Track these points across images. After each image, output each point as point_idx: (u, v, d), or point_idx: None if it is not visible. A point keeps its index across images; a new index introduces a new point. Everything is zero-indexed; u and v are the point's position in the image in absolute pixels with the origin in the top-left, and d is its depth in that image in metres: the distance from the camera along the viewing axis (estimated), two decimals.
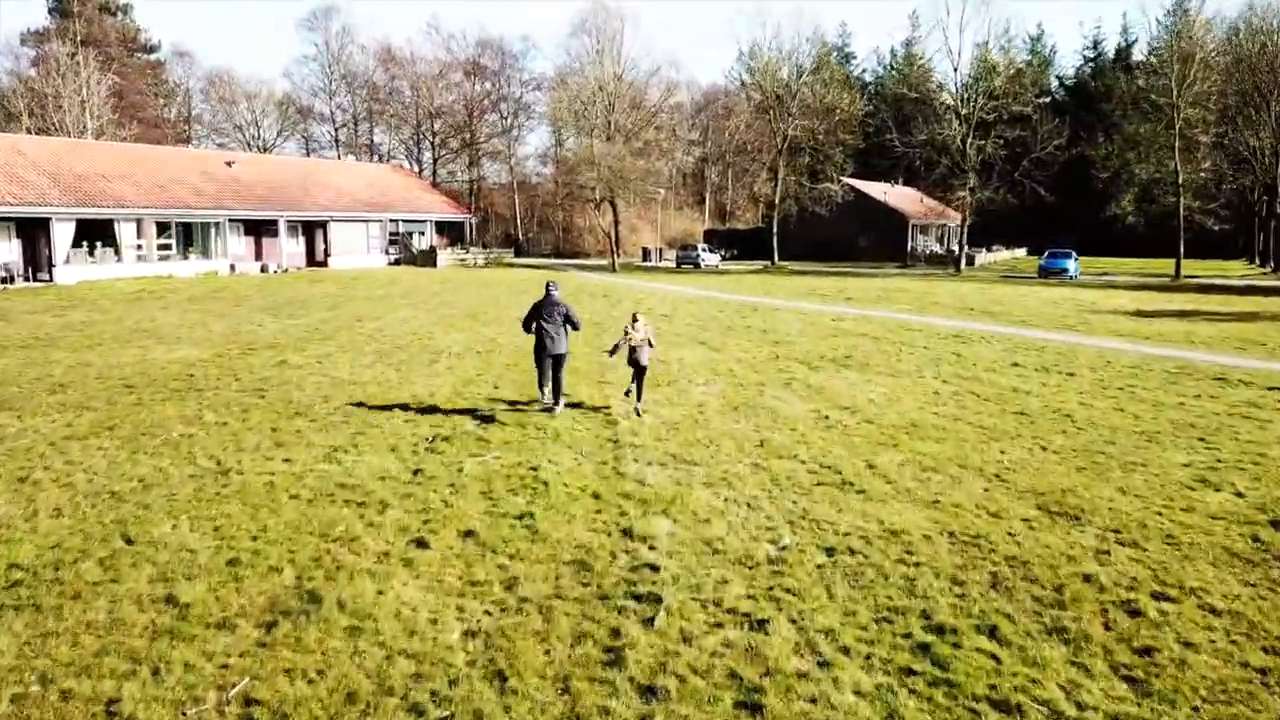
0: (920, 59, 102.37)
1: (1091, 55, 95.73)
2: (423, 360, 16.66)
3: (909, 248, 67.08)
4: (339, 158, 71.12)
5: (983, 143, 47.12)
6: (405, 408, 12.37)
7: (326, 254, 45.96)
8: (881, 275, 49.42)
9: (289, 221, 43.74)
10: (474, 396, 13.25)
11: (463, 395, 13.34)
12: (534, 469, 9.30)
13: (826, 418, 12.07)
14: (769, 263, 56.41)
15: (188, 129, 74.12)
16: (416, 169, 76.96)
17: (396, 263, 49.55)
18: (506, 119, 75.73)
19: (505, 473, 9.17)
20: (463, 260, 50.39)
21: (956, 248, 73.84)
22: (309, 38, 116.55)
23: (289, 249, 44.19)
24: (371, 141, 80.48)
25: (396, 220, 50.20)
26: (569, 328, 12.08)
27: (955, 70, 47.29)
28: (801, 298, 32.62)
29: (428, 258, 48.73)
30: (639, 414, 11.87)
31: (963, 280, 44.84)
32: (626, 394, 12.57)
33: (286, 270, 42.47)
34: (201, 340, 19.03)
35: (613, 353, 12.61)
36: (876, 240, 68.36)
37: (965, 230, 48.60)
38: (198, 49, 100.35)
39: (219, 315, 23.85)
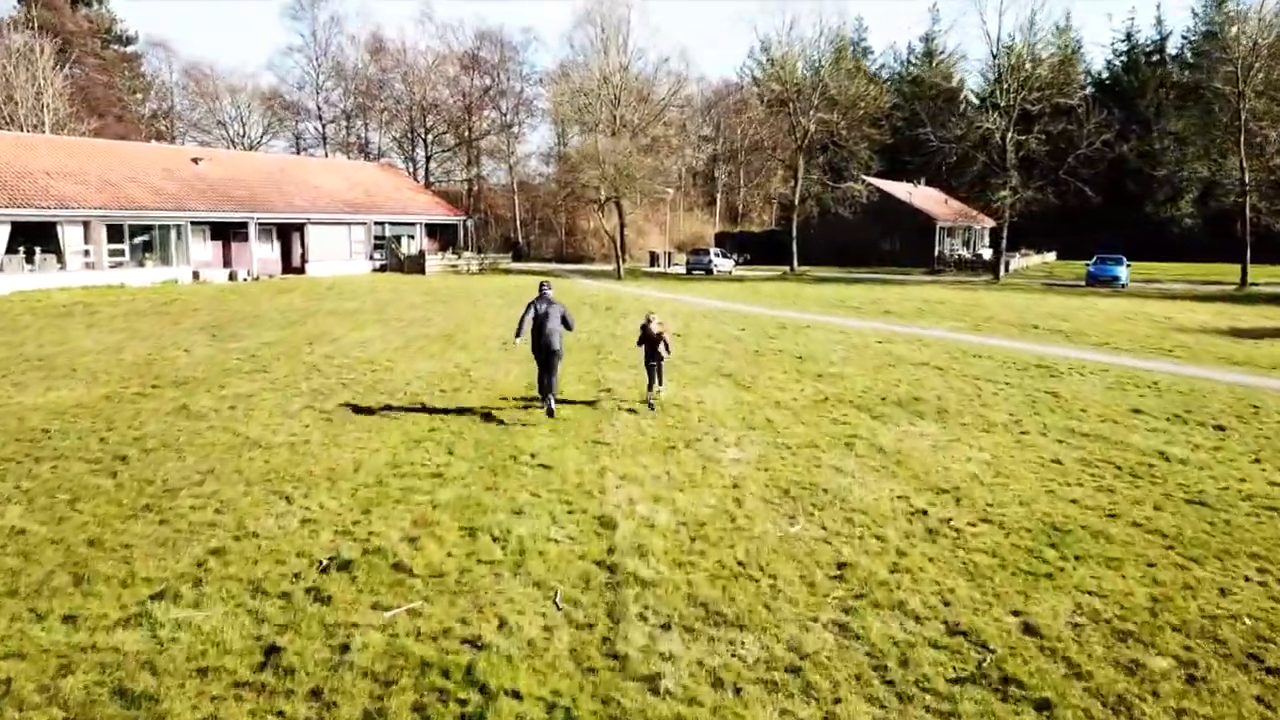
0: (941, 54, 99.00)
1: (1124, 48, 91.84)
2: (369, 402, 13.03)
3: (936, 252, 63.29)
4: (327, 155, 67.77)
5: (1024, 137, 43.30)
6: (308, 494, 8.71)
7: (304, 260, 42.45)
8: (912, 283, 45.64)
9: (261, 224, 40.24)
10: (415, 472, 9.60)
11: (400, 470, 9.69)
12: (474, 645, 5.62)
13: (924, 513, 8.38)
14: (788, 268, 52.70)
15: (168, 126, 70.83)
16: (410, 169, 73.56)
17: (382, 269, 46.02)
18: (506, 115, 72.19)
19: (420, 652, 5.49)
20: (454, 266, 46.82)
21: (991, 253, 70.29)
22: (294, 27, 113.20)
23: (261, 254, 40.68)
24: (366, 140, 77.19)
25: (382, 223, 46.68)
26: (564, 327, 12.39)
27: (994, 57, 43.49)
28: (832, 310, 28.92)
29: (415, 264, 45.19)
30: (652, 406, 12.73)
31: (1005, 289, 41.04)
32: (650, 405, 12.91)
33: (257, 278, 38.96)
34: (102, 373, 15.42)
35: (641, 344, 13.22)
36: (901, 244, 64.60)
37: (1005, 234, 44.67)
38: (175, 39, 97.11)
39: (146, 336, 20.26)
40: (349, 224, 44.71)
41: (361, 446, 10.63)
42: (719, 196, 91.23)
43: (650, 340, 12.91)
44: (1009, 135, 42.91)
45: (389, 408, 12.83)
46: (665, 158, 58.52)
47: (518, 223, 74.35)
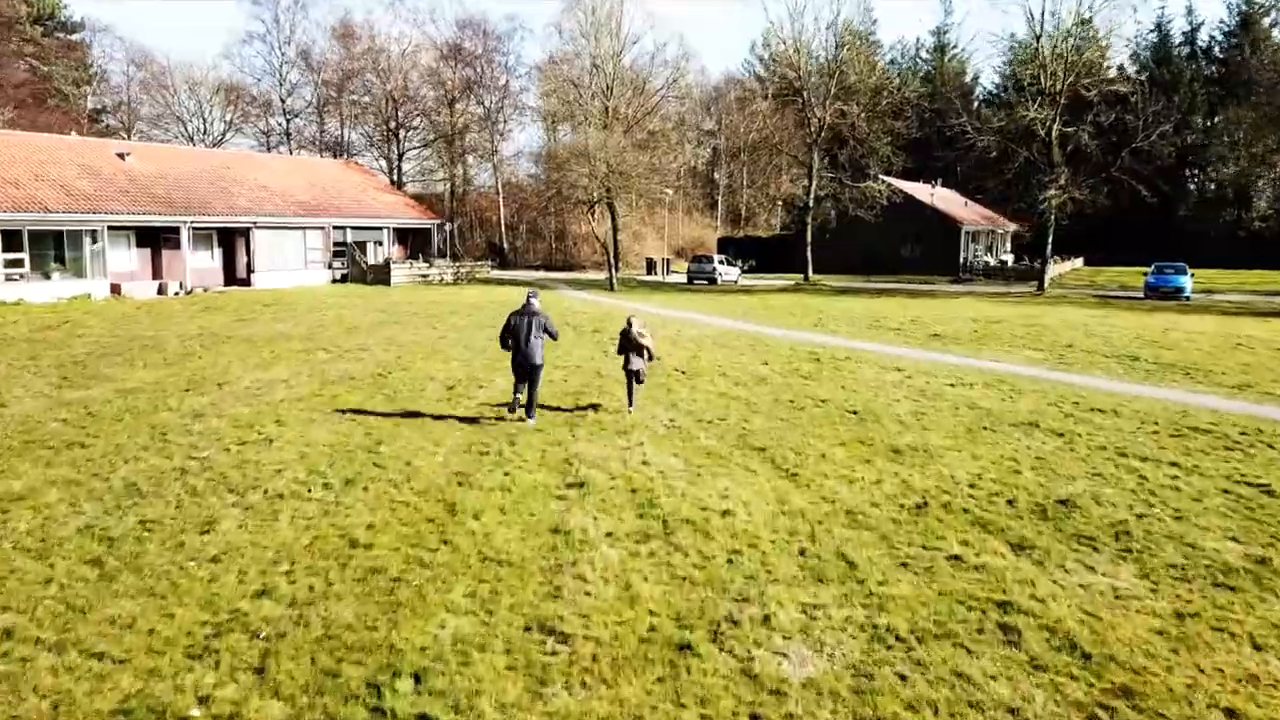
0: (954, 48, 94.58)
1: (1154, 40, 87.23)
2: (200, 514, 8.20)
3: (961, 259, 58.61)
4: (291, 153, 62.90)
5: (1071, 129, 38.58)
6: None
7: (249, 270, 37.57)
8: (942, 294, 40.86)
9: (197, 229, 35.39)
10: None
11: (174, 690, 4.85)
12: None
13: None
14: (801, 278, 47.89)
15: (124, 121, 65.93)
16: (386, 168, 68.73)
17: (343, 279, 41.18)
18: (490, 110, 67.38)
19: None
20: (424, 276, 41.97)
21: (1014, 259, 65.60)
22: (254, 12, 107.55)
23: (197, 264, 35.84)
24: (343, 139, 72.21)
25: (343, 227, 41.85)
26: (546, 337, 12.30)
27: (1037, 39, 38.75)
28: (868, 333, 24.13)
29: (380, 274, 40.35)
30: (630, 412, 12.71)
31: (1055, 303, 36.27)
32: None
33: (190, 291, 34.09)
34: None
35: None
36: (924, 250, 59.91)
37: (1050, 240, 39.87)
38: (124, 25, 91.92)
39: None
40: (303, 228, 39.86)
41: (122, 657, 5.76)
42: (720, 199, 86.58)
43: (631, 346, 12.64)
44: (1053, 127, 38.16)
45: (239, 507, 7.97)
46: (663, 155, 53.72)
47: (502, 227, 69.51)
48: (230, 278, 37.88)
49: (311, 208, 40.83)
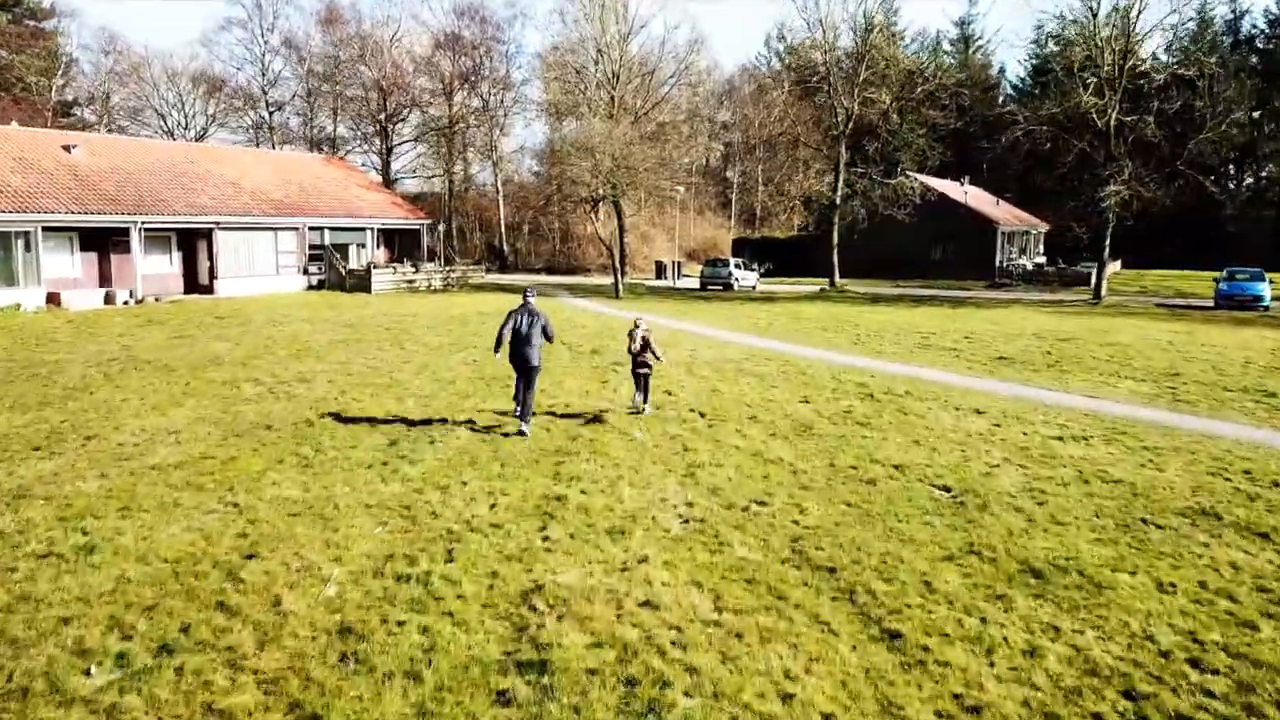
0: (979, 39, 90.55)
1: (1193, 29, 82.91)
2: None
3: (997, 262, 54.66)
4: (276, 149, 59.40)
5: (1132, 118, 34.68)
6: None
7: (212, 276, 34.04)
8: (989, 303, 37.01)
9: (150, 230, 31.90)
10: None
11: None
12: None
13: None
14: (826, 283, 44.09)
15: (101, 114, 62.59)
16: (378, 165, 65.23)
17: (319, 285, 37.61)
18: (488, 101, 63.80)
19: None
20: (410, 282, 38.37)
21: (1048, 262, 61.56)
22: None
23: (151, 269, 32.36)
24: (332, 134, 68.69)
25: (322, 228, 38.29)
26: (544, 338, 12.16)
27: (1094, 15, 34.83)
28: (922, 355, 20.37)
29: (360, 280, 36.75)
30: (639, 412, 13.02)
31: (1121, 314, 32.42)
32: (635, 411, 13.00)
33: (141, 301, 30.59)
34: None
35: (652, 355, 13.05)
36: (955, 252, 56.01)
37: (1108, 242, 35.94)
38: (95, 10, 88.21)
39: None
40: (275, 229, 36.33)
41: None
42: (734, 198, 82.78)
43: (640, 349, 12.86)
44: (1112, 115, 34.25)
45: None
46: (673, 149, 49.97)
47: (502, 228, 65.93)
48: (192, 284, 34.37)
49: (285, 206, 37.30)
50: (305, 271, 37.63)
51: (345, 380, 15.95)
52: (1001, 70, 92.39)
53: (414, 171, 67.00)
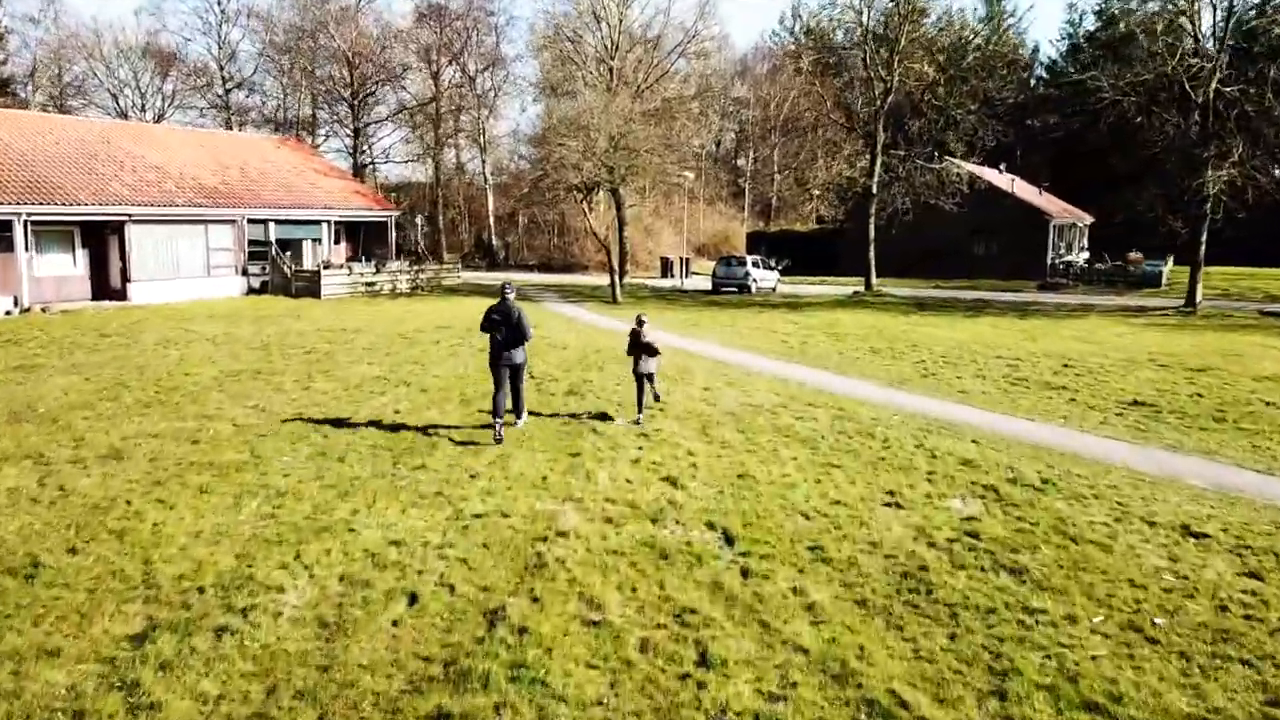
0: (1009, 16, 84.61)
1: None
2: None
3: (1050, 260, 49.13)
4: (238, 130, 54.00)
5: (1233, 88, 29.09)
6: None
7: (125, 279, 28.83)
8: (1059, 312, 31.60)
9: (43, 223, 26.70)
10: None
11: None
12: None
13: None
14: (860, 284, 38.65)
15: (53, 99, 57.44)
16: (353, 150, 59.89)
17: (262, 289, 32.39)
18: (475, 80, 58.43)
19: None
20: (370, 285, 33.12)
21: (1096, 259, 55.85)
22: None
23: (48, 271, 27.22)
24: (301, 117, 63.17)
25: (265, 220, 33.05)
26: (523, 337, 11.73)
27: None
28: (1022, 397, 15.07)
29: (308, 282, 31.49)
30: (637, 423, 12.34)
31: (1227, 327, 26.98)
32: (636, 422, 12.42)
33: (28, 310, 25.43)
34: None
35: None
36: (1001, 248, 50.57)
37: (1204, 237, 30.35)
38: None
39: None
40: (206, 222, 31.10)
41: None
42: (747, 187, 77.30)
43: (640, 348, 12.63)
44: (1212, 82, 28.69)
45: None
46: (681, 128, 44.51)
47: (491, 220, 60.63)
48: (102, 289, 29.17)
49: (220, 195, 32.05)
50: (244, 272, 32.40)
51: (178, 459, 10.66)
52: (1035, 50, 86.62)
53: (387, 157, 61.54)
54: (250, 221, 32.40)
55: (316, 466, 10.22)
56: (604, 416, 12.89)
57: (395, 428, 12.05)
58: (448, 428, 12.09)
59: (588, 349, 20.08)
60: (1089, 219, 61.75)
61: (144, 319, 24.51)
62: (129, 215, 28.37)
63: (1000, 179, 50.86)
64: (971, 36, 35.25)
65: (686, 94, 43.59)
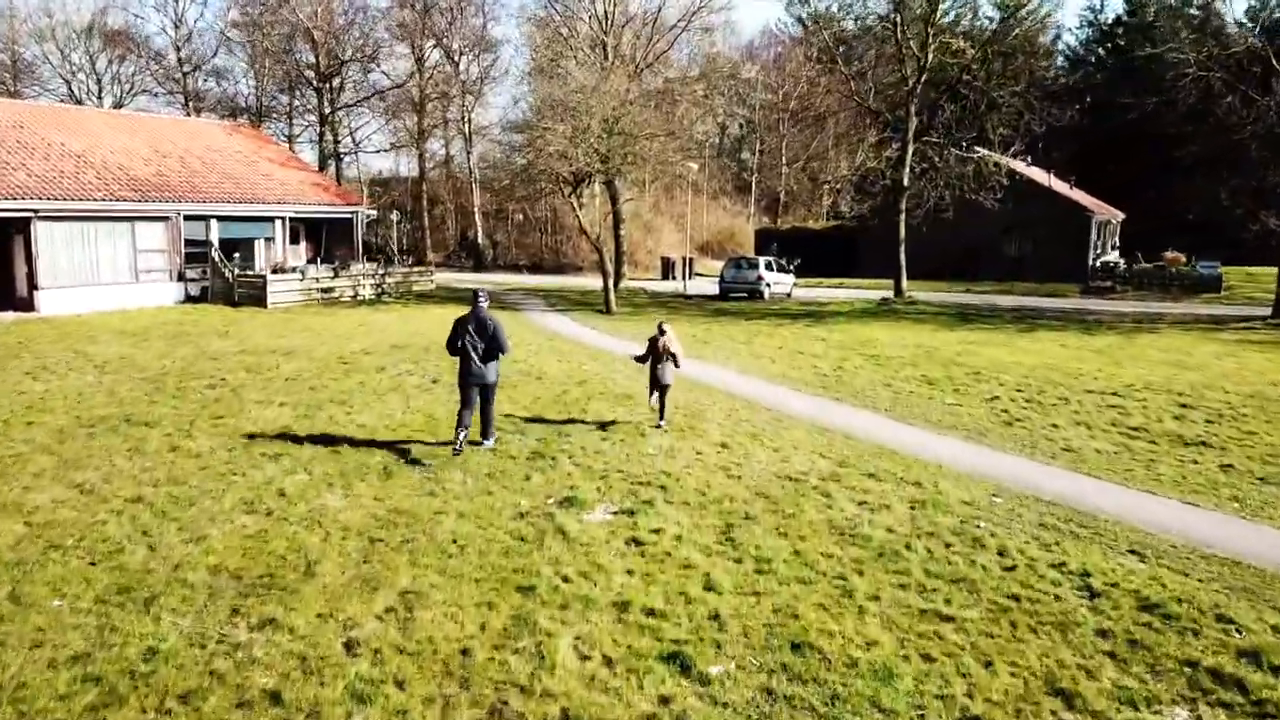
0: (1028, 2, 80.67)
1: None
2: None
3: (1092, 262, 45.22)
4: (197, 115, 49.99)
5: None
6: None
7: (32, 286, 24.91)
8: (1126, 325, 27.70)
9: None
10: None
11: None
12: None
13: None
14: (889, 291, 34.72)
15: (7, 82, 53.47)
16: (331, 138, 55.94)
17: (202, 296, 28.48)
18: (461, 63, 54.48)
19: None
20: (326, 291, 29.22)
21: (1121, 259, 51.51)
22: None
23: None
24: (290, 107, 59.05)
25: (206, 217, 29.14)
26: (498, 351, 10.74)
27: None
28: (1154, 463, 11.23)
29: (254, 289, 27.57)
30: (661, 428, 12.10)
31: None
32: (657, 427, 12.21)
33: None
34: None
35: (642, 359, 12.49)
36: (1035, 248, 46.73)
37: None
38: None
39: None
40: (132, 218, 27.21)
41: None
42: (754, 181, 73.34)
43: (659, 354, 12.14)
44: None
45: None
46: (684, 115, 40.52)
47: (477, 216, 56.73)
48: (7, 298, 25.26)
49: (152, 187, 28.15)
50: (181, 277, 28.46)
51: None
52: (1057, 35, 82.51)
53: (359, 146, 57.54)
54: (187, 218, 28.47)
55: (99, 623, 6.31)
56: (572, 503, 9.02)
57: (259, 538, 8.12)
58: (343, 532, 8.20)
59: (570, 379, 16.16)
60: (1120, 215, 57.92)
61: (35, 336, 20.60)
62: (35, 211, 24.43)
63: (1036, 172, 46.93)
64: (1017, 4, 31.08)
65: (691, 76, 39.52)
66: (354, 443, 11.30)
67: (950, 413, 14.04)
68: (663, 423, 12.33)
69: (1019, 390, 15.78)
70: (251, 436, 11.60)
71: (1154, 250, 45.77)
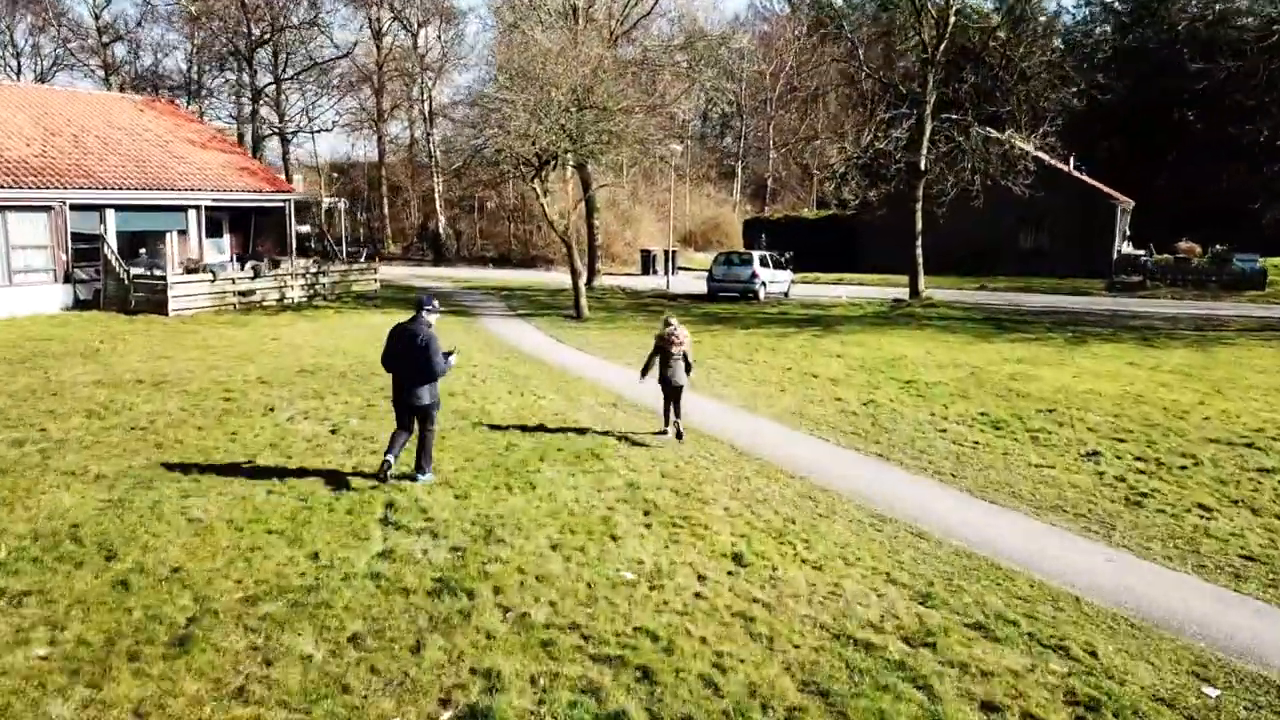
0: None
1: None
2: None
3: (1116, 255, 41.78)
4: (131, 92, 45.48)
5: None
6: None
7: None
8: (1186, 333, 24.16)
9: None
10: None
11: None
12: None
13: None
14: (903, 290, 30.98)
15: None
16: (275, 122, 51.52)
17: (93, 301, 24.27)
18: (420, 35, 50.20)
19: None
20: (243, 295, 25.11)
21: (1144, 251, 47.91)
22: None
23: None
24: (252, 81, 54.34)
25: (101, 206, 24.90)
26: (433, 369, 9.24)
27: None
28: None
29: (154, 293, 23.39)
30: (680, 437, 11.16)
31: None
32: (662, 433, 11.29)
33: None
34: None
35: (644, 374, 11.39)
36: (1053, 240, 43.33)
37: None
38: None
39: None
40: (4, 208, 22.91)
41: None
42: (739, 167, 69.55)
43: (668, 354, 11.00)
44: None
45: None
46: (666, 89, 36.50)
47: (438, 204, 52.56)
48: None
49: (30, 171, 23.88)
50: (69, 278, 24.23)
51: None
52: (1057, 13, 78.97)
53: (296, 126, 53.06)
54: (75, 208, 24.21)
55: None
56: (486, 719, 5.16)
57: None
58: None
59: (525, 417, 12.29)
60: (1131, 203, 54.62)
61: None
62: None
63: (1053, 156, 43.36)
64: None
65: (674, 44, 35.50)
66: (163, 571, 7.33)
67: (1043, 480, 10.26)
68: (669, 429, 11.24)
69: (1119, 440, 12.02)
70: (19, 541, 7.62)
71: (1163, 241, 42.44)
